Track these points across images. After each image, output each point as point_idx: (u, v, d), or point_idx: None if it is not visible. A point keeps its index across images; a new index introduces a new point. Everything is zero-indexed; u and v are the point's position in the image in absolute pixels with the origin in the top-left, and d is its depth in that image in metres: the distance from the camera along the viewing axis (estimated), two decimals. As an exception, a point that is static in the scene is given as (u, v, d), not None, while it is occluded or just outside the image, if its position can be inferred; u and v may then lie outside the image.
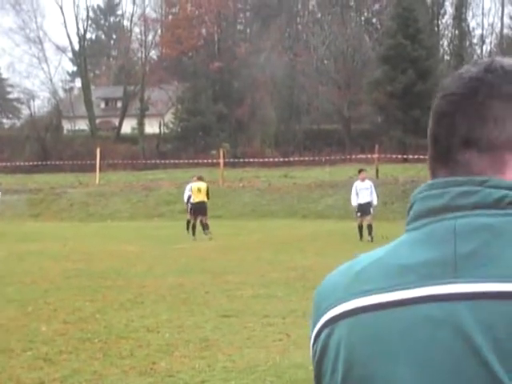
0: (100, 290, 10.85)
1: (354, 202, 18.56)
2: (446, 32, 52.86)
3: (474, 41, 53.77)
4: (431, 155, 1.00)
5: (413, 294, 0.89)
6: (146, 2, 65.51)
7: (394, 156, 32.66)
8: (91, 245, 17.48)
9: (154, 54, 60.28)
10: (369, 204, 18.34)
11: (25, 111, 60.91)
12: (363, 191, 18.43)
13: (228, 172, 31.79)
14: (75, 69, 64.86)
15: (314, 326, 0.99)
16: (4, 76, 67.09)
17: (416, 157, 31.74)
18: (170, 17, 58.88)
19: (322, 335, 0.96)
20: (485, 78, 0.96)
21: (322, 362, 0.97)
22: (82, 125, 54.38)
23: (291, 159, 37.18)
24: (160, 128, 50.74)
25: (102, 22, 71.15)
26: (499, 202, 0.92)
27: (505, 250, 0.88)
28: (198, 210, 19.54)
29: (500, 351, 0.84)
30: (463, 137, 0.95)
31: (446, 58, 51.82)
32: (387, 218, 22.62)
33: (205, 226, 19.50)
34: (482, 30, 54.90)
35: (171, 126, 50.04)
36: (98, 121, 55.32)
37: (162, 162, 38.22)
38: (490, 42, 55.44)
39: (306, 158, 37.32)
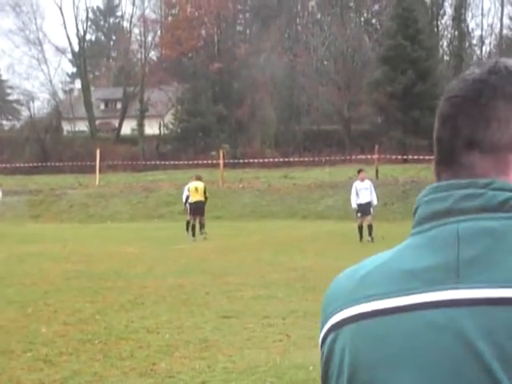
0: (100, 291, 10.85)
1: (354, 203, 18.55)
2: (446, 33, 52.91)
3: (474, 41, 53.85)
4: (435, 158, 1.00)
5: (415, 300, 0.89)
6: (146, 3, 65.57)
7: (393, 157, 32.65)
8: (91, 246, 17.48)
9: (153, 55, 60.36)
10: (369, 204, 18.34)
11: (24, 113, 60.98)
12: (363, 191, 18.43)
13: (228, 173, 31.79)
14: (75, 70, 64.86)
15: (321, 329, 1.01)
16: (4, 77, 67.17)
17: (416, 157, 31.75)
18: (170, 18, 58.86)
19: (328, 340, 0.98)
20: (488, 79, 0.96)
21: (328, 366, 0.98)
22: (82, 126, 54.39)
23: (291, 160, 37.18)
24: (160, 129, 50.75)
25: (102, 23, 71.17)
26: (504, 204, 0.91)
27: (508, 254, 0.88)
28: (196, 209, 19.62)
29: (502, 358, 0.84)
30: (466, 138, 0.95)
31: (446, 58, 51.85)
32: (387, 218, 22.63)
33: (201, 226, 19.59)
34: (482, 30, 54.95)
35: (171, 126, 50.04)
36: (97, 122, 55.33)
37: (162, 163, 38.21)
38: (490, 43, 55.52)
39: (306, 159, 37.33)
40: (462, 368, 0.85)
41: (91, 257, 15.21)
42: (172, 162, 36.94)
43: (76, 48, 56.36)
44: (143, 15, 56.90)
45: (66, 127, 54.82)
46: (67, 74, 69.53)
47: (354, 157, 34.87)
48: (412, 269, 0.92)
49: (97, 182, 32.04)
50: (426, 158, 31.98)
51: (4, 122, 66.42)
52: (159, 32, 57.90)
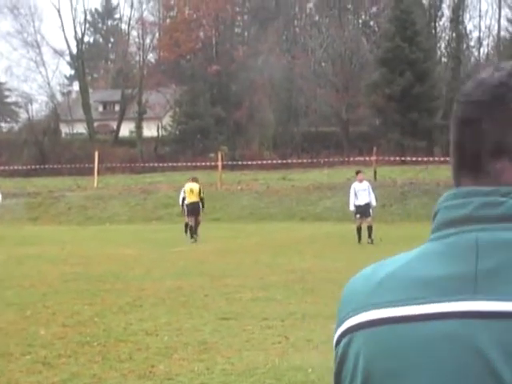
0: (98, 293, 10.84)
1: (352, 204, 18.56)
2: (444, 34, 52.95)
3: (472, 43, 53.92)
4: (455, 163, 0.97)
5: (432, 310, 0.88)
6: (144, 6, 65.43)
7: (391, 158, 32.67)
8: (89, 248, 17.47)
9: (151, 57, 60.34)
10: (368, 205, 18.35)
11: (23, 115, 60.93)
12: (361, 192, 18.44)
13: (226, 175, 31.80)
14: (73, 72, 64.85)
15: (336, 330, 0.99)
16: (2, 80, 67.11)
17: (414, 159, 31.80)
18: (168, 20, 58.87)
19: (342, 342, 0.97)
20: (509, 82, 0.94)
21: (341, 368, 0.98)
22: (80, 128, 54.37)
23: (289, 162, 37.18)
24: (158, 131, 50.75)
25: (100, 25, 71.18)
26: None
27: None
28: (192, 210, 19.76)
29: None
30: (494, 145, 0.92)
31: (444, 60, 51.91)
32: (385, 220, 22.65)
33: (196, 226, 19.68)
34: (480, 32, 55.16)
35: (169, 129, 50.06)
36: (95, 124, 55.33)
37: (161, 165, 38.21)
38: (488, 45, 55.65)
39: (305, 161, 37.33)
40: (475, 381, 0.85)
41: (89, 259, 15.21)
42: (170, 164, 36.93)
43: (74, 50, 56.46)
44: (141, 17, 56.93)
45: (64, 129, 54.80)
46: (65, 77, 69.60)
47: (352, 158, 34.90)
48: (429, 277, 0.90)
49: (95, 184, 32.03)
50: (424, 159, 32.03)
51: (2, 125, 66.41)
52: (157, 34, 57.95)
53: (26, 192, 30.98)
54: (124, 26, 61.92)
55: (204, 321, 8.69)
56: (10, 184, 32.65)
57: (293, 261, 14.36)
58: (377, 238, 17.70)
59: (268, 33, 53.91)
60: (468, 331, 0.86)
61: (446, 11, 52.35)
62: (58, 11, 76.55)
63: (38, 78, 60.47)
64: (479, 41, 53.74)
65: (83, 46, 58.04)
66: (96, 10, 69.33)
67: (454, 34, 50.17)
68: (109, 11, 69.35)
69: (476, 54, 53.95)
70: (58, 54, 59.00)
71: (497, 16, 54.10)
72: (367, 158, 31.77)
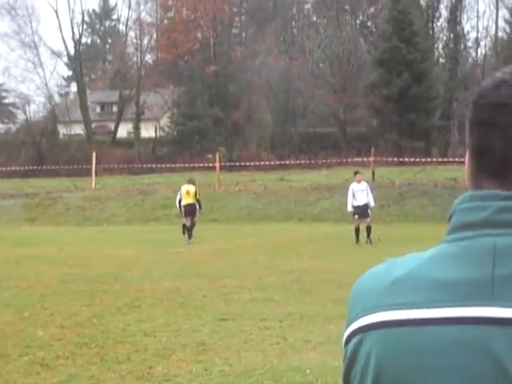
0: (97, 294, 10.83)
1: (350, 205, 18.56)
2: (441, 35, 52.97)
3: (469, 44, 53.91)
4: (476, 166, 0.95)
5: (448, 314, 0.87)
6: (142, 7, 65.35)
7: (389, 159, 32.67)
8: (87, 249, 17.45)
9: (149, 58, 60.29)
10: (366, 206, 18.35)
11: (20, 116, 60.89)
12: (360, 193, 18.44)
13: (224, 176, 31.80)
14: (71, 73, 64.84)
15: (346, 328, 0.98)
16: (-1, 81, 67.04)
17: (412, 160, 31.81)
18: (166, 21, 58.86)
19: (353, 341, 0.96)
20: None
21: (351, 367, 0.96)
22: (78, 129, 54.35)
23: (287, 162, 37.17)
24: (156, 132, 50.74)
25: (98, 26, 71.17)
26: None
27: None
28: (189, 211, 19.82)
29: None
30: None
31: (441, 60, 51.93)
32: (384, 220, 22.65)
33: (192, 227, 19.71)
34: (477, 33, 55.21)
35: (167, 129, 50.04)
36: (93, 125, 55.32)
37: (158, 166, 38.20)
38: (485, 45, 55.65)
39: (302, 162, 37.33)
40: None
41: (87, 260, 15.19)
42: (168, 165, 36.93)
43: (72, 51, 56.41)
44: (139, 18, 56.90)
45: (62, 130, 54.79)
46: (63, 78, 69.59)
47: (350, 159, 34.93)
48: (446, 280, 0.89)
49: (93, 185, 32.00)
50: (422, 160, 32.06)
51: (0, 126, 66.36)
52: (155, 35, 57.91)
53: (23, 193, 30.94)
54: (122, 27, 61.96)
55: (202, 322, 8.69)
56: (8, 185, 32.64)
57: (291, 262, 14.36)
58: (375, 239, 17.71)
59: (266, 33, 53.93)
60: (483, 337, 0.85)
61: (444, 12, 52.43)
62: (56, 12, 76.84)
63: (36, 79, 60.62)
64: (477, 41, 53.79)
65: (81, 47, 58.03)
66: (94, 10, 69.41)
67: (451, 35, 50.20)
68: (106, 12, 69.33)
69: (474, 54, 54.00)
70: (56, 54, 59.03)
71: (494, 17, 54.28)
72: (365, 159, 31.77)
